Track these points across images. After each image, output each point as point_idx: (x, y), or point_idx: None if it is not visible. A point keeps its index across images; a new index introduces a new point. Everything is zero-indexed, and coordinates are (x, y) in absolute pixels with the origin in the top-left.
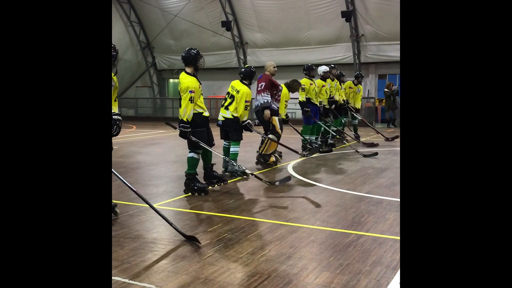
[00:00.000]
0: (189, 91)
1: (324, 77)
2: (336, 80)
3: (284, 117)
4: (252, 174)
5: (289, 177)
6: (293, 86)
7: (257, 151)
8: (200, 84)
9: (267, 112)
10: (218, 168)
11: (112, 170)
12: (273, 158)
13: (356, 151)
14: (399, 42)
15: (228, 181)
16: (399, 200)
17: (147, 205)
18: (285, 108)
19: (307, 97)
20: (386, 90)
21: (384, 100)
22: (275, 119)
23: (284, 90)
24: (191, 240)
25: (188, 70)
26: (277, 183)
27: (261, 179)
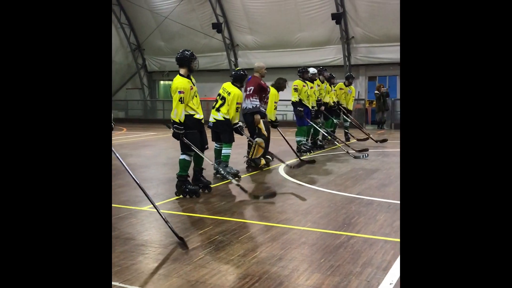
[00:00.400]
0: (178, 91)
1: (312, 79)
2: (326, 82)
3: (273, 118)
4: (238, 185)
5: (274, 193)
6: (281, 85)
7: (245, 156)
8: (194, 85)
9: (257, 117)
10: (209, 173)
11: (125, 165)
12: (263, 161)
13: (347, 152)
14: (389, 44)
15: (220, 183)
16: (389, 201)
17: (138, 208)
18: (274, 109)
19: (299, 97)
20: (376, 92)
21: (374, 102)
22: (261, 122)
23: (273, 91)
24: (182, 241)
25: (182, 71)
26: (261, 198)
27: (245, 191)
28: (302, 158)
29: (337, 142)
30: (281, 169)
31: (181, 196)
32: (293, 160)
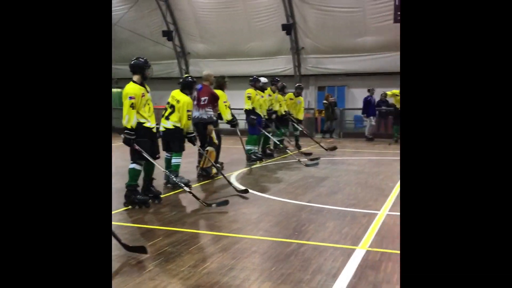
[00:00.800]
0: (129, 97)
1: (263, 88)
2: (277, 92)
3: (229, 118)
4: (190, 192)
5: (227, 201)
6: (221, 83)
7: (197, 166)
8: (148, 93)
9: (210, 127)
10: (159, 183)
11: None
12: (214, 170)
13: (299, 160)
14: (337, 56)
15: (170, 193)
16: (338, 208)
17: None
18: (227, 108)
19: (252, 106)
20: (324, 101)
21: (323, 111)
22: (213, 132)
23: (218, 92)
24: (136, 251)
25: (135, 78)
26: (213, 206)
27: (198, 199)
28: (251, 167)
29: (288, 150)
30: (233, 178)
31: (130, 206)
32: (241, 170)
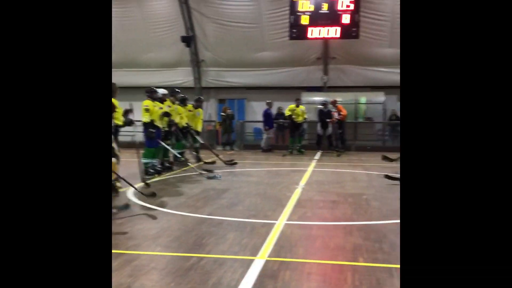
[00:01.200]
0: None
1: (162, 100)
2: (177, 104)
3: (123, 122)
4: None
5: (127, 205)
6: (113, 89)
7: None
8: None
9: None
10: None
11: None
12: (118, 184)
13: (200, 173)
14: (235, 69)
15: None
16: (238, 219)
17: None
18: (117, 112)
19: (151, 118)
20: (222, 113)
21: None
22: (114, 142)
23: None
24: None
25: None
26: (114, 211)
27: None
28: (147, 181)
29: (189, 163)
30: (130, 192)
31: None
32: (139, 185)
